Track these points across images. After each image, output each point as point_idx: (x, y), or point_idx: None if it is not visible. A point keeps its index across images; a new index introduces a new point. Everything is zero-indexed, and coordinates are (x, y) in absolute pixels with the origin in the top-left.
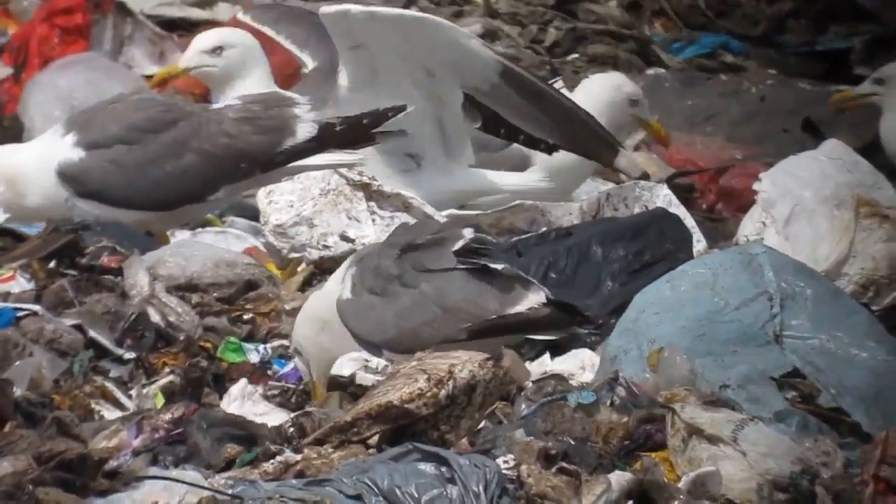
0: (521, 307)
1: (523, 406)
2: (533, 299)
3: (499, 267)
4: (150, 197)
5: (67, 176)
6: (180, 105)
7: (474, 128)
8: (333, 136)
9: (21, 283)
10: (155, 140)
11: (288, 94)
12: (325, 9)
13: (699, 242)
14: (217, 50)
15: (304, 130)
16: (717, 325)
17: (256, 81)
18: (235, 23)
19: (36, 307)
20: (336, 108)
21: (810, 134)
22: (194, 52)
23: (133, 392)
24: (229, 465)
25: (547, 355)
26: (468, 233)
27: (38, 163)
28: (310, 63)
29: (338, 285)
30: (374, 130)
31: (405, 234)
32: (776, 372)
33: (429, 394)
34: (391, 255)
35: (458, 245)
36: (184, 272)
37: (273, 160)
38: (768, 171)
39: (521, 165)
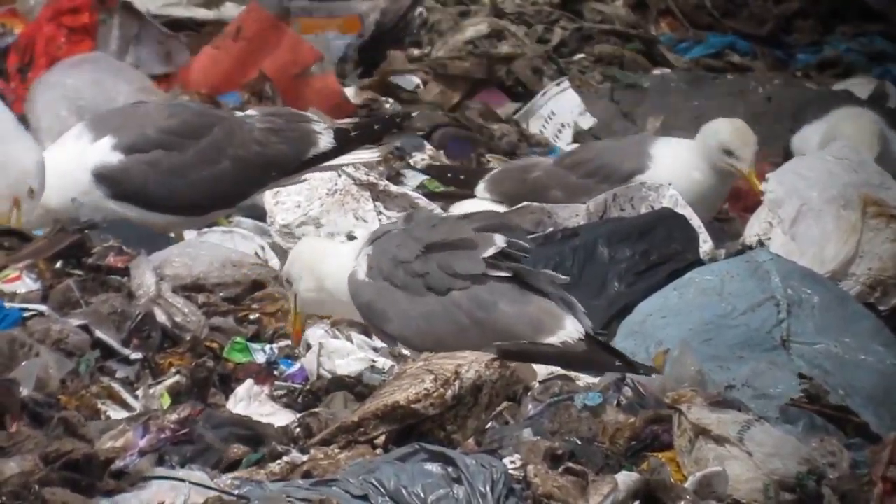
0: (555, 339)
1: (530, 406)
2: (570, 331)
3: (538, 285)
4: (187, 201)
5: (105, 178)
6: (212, 111)
7: None
8: (350, 143)
9: (27, 284)
10: (193, 146)
11: (302, 112)
12: None
13: (706, 243)
14: None
15: (325, 140)
16: (724, 329)
17: None
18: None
19: (42, 307)
20: None
21: None
22: None
23: (139, 392)
24: (235, 465)
25: None
26: (500, 240)
27: (69, 165)
28: None
29: (350, 260)
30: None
31: (428, 227)
32: (783, 375)
33: (435, 394)
34: (414, 248)
35: (490, 251)
36: (190, 272)
37: (299, 168)
38: (775, 171)
39: None
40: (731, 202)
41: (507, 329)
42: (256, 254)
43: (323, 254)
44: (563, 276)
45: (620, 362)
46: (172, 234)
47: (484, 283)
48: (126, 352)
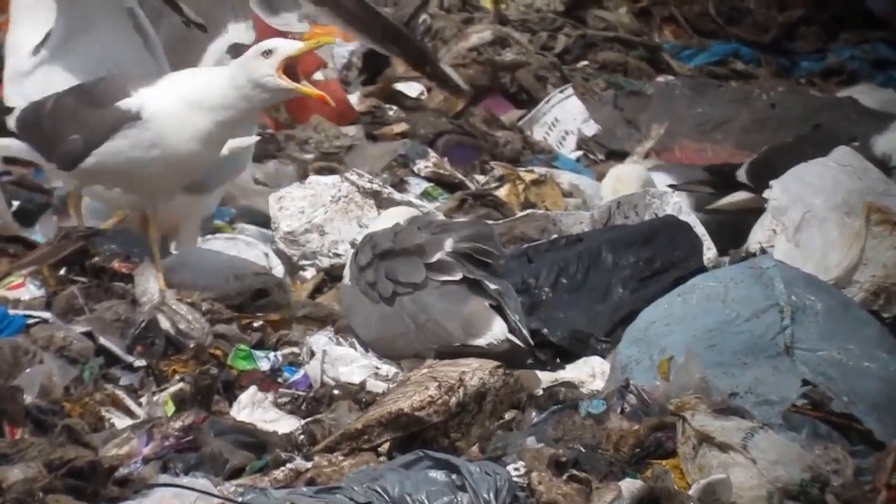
0: (482, 340)
1: (534, 414)
2: (496, 332)
3: (482, 288)
4: None
5: None
6: None
7: None
8: None
9: (31, 290)
10: None
11: None
12: None
13: (709, 250)
14: None
15: None
16: (727, 335)
17: None
18: None
19: (46, 314)
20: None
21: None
22: None
23: (143, 399)
24: (239, 472)
25: (557, 361)
26: (448, 245)
27: None
28: None
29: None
30: None
31: (389, 234)
32: (787, 382)
33: (439, 401)
34: (368, 255)
35: (434, 258)
36: (195, 279)
37: None
38: (779, 178)
39: None
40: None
41: (442, 332)
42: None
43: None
44: (506, 282)
45: (532, 360)
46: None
47: (424, 288)
48: (130, 359)
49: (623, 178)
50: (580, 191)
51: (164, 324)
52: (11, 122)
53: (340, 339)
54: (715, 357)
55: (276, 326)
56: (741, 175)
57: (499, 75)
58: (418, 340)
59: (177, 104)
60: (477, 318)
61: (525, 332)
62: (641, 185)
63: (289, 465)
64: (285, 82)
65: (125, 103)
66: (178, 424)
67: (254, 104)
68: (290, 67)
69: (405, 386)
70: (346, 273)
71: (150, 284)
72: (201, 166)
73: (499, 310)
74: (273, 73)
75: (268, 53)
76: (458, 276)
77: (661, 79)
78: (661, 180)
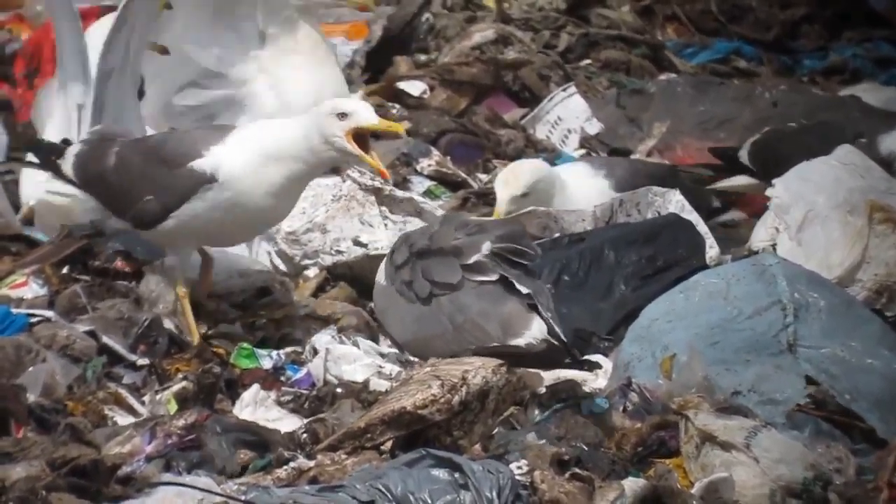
0: (521, 340)
1: (536, 412)
2: (535, 332)
3: (519, 289)
4: None
5: None
6: None
7: None
8: None
9: (34, 289)
10: None
11: None
12: None
13: (712, 248)
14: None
15: None
16: (730, 333)
17: None
18: None
19: (49, 313)
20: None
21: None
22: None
23: (146, 398)
24: (242, 470)
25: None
26: (485, 246)
27: None
28: None
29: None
30: None
31: (424, 234)
32: (789, 380)
33: (442, 400)
34: (405, 255)
35: (472, 259)
36: (197, 278)
37: None
38: (781, 176)
39: None
40: (739, 207)
41: (480, 333)
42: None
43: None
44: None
45: (570, 359)
46: None
47: (460, 289)
48: (133, 357)
49: (516, 171)
50: None
51: (168, 323)
52: (68, 169)
53: (343, 338)
54: (717, 355)
55: (278, 325)
56: (743, 155)
57: (501, 74)
58: (455, 341)
59: (250, 161)
60: (515, 318)
61: (559, 330)
62: (535, 179)
63: (292, 464)
64: (352, 147)
65: (199, 164)
66: (180, 423)
67: (322, 159)
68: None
69: (408, 384)
70: (381, 272)
71: (162, 287)
72: (280, 217)
73: (535, 309)
74: (342, 136)
75: (342, 116)
76: (494, 277)
77: (663, 77)
78: (581, 172)
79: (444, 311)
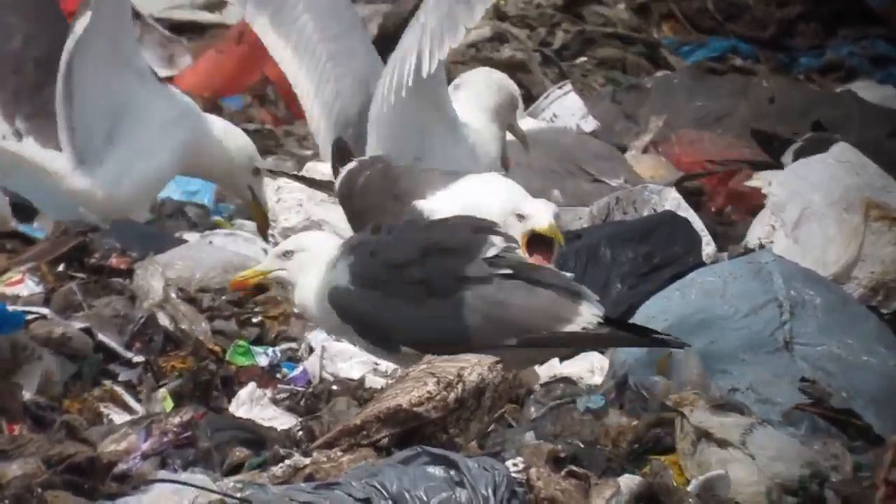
0: (574, 326)
1: (532, 409)
2: (588, 317)
3: (543, 280)
4: None
5: None
6: None
7: None
8: None
9: (30, 286)
10: None
11: None
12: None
13: (708, 245)
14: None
15: None
16: (726, 331)
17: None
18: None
19: (45, 310)
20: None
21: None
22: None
23: (142, 395)
24: (238, 468)
25: (556, 359)
26: (498, 241)
27: None
28: None
29: (327, 273)
30: None
31: (420, 230)
32: (786, 377)
33: (438, 397)
34: (410, 253)
35: (491, 252)
36: (193, 275)
37: None
38: (778, 174)
39: None
40: (734, 205)
41: (525, 323)
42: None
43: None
44: (567, 273)
45: (647, 337)
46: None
47: (490, 283)
48: (128, 355)
49: None
50: None
51: (164, 320)
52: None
53: None
54: (714, 352)
55: (274, 322)
56: (786, 159)
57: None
58: (495, 335)
59: (454, 212)
60: (559, 306)
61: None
62: None
63: (287, 461)
64: (522, 252)
65: (419, 205)
66: (176, 420)
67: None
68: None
69: (404, 382)
70: (336, 275)
71: (153, 282)
72: None
73: (576, 296)
74: (518, 238)
75: (520, 217)
76: (509, 270)
77: (660, 73)
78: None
79: (474, 307)
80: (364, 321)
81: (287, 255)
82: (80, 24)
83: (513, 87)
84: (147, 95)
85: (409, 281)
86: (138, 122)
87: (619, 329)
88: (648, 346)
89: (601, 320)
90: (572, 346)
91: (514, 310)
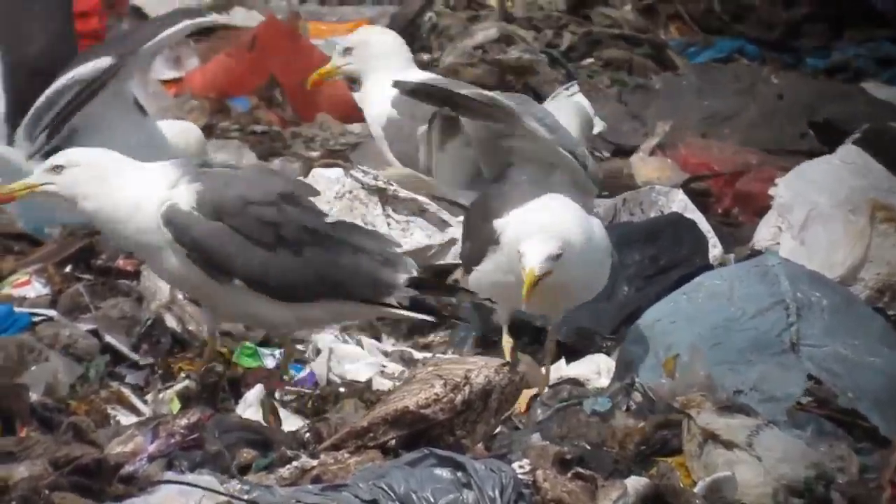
0: (391, 298)
1: (539, 411)
2: (400, 287)
3: (369, 245)
4: None
5: None
6: None
7: None
8: None
9: (37, 288)
10: None
11: None
12: None
13: (715, 247)
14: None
15: None
16: (733, 333)
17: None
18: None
19: (51, 312)
20: None
21: (826, 136)
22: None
23: (149, 397)
24: (245, 470)
25: (563, 360)
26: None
27: None
28: None
29: (159, 190)
30: None
31: (268, 175)
32: (792, 379)
33: (445, 399)
34: (266, 194)
35: (331, 219)
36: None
37: None
38: (784, 175)
39: None
40: (741, 206)
41: (350, 287)
42: None
43: (122, 168)
44: (396, 241)
45: (449, 296)
46: None
47: (329, 242)
48: (135, 356)
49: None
50: None
51: (171, 322)
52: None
53: (346, 337)
54: (720, 354)
55: None
56: (845, 150)
57: (506, 74)
58: (322, 290)
59: (517, 231)
60: (381, 275)
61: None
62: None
63: (295, 463)
64: (525, 290)
65: (496, 224)
66: (183, 422)
67: None
68: None
69: (411, 384)
70: (178, 196)
71: (160, 283)
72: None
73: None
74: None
75: (521, 255)
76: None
77: (666, 75)
78: None
79: (311, 261)
80: (202, 247)
81: (57, 169)
82: (97, 64)
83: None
84: (122, 120)
85: (260, 220)
86: (101, 138)
87: (420, 308)
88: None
89: (413, 293)
90: (384, 316)
91: (342, 271)
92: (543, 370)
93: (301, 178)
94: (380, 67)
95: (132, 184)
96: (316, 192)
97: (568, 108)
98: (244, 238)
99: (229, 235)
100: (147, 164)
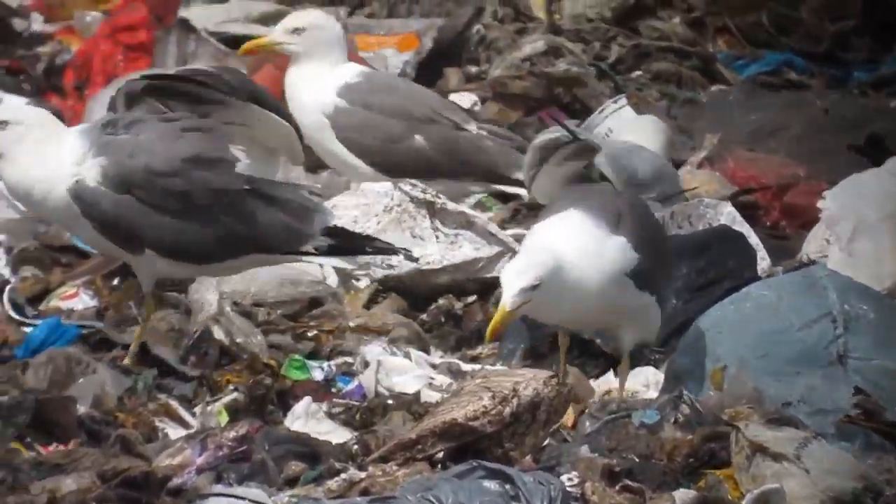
0: (307, 246)
1: (587, 423)
2: (317, 235)
3: (284, 195)
4: None
5: None
6: None
7: None
8: None
9: (84, 300)
10: None
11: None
12: None
13: (763, 260)
14: (298, 31)
15: None
16: (780, 345)
17: (333, 63)
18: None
19: (99, 324)
20: None
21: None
22: (280, 30)
23: (197, 410)
24: (293, 482)
25: (611, 373)
26: (238, 154)
27: None
28: None
29: (67, 165)
30: None
31: (174, 135)
32: (839, 391)
33: (493, 411)
34: (170, 161)
35: (239, 169)
36: (248, 289)
37: None
38: (832, 188)
39: None
40: (789, 219)
41: (266, 241)
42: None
43: (47, 137)
44: (313, 185)
45: (367, 248)
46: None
47: (240, 197)
48: (183, 369)
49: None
50: None
51: (219, 334)
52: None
53: (394, 350)
54: (768, 366)
55: (329, 336)
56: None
57: (554, 87)
58: (237, 250)
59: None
60: (297, 223)
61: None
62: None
63: (343, 476)
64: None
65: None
66: (231, 434)
67: None
68: None
69: (459, 396)
70: (88, 176)
71: (208, 295)
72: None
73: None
74: None
75: None
76: (254, 187)
77: (714, 88)
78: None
79: (223, 220)
80: (111, 221)
81: (2, 125)
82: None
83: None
84: None
85: (168, 190)
86: None
87: (341, 245)
88: (368, 255)
89: (330, 239)
90: (302, 261)
91: (259, 227)
92: (617, 382)
93: (221, 134)
94: (324, 55)
95: (47, 159)
96: (226, 149)
97: (650, 125)
98: (152, 209)
99: (137, 208)
100: (65, 132)
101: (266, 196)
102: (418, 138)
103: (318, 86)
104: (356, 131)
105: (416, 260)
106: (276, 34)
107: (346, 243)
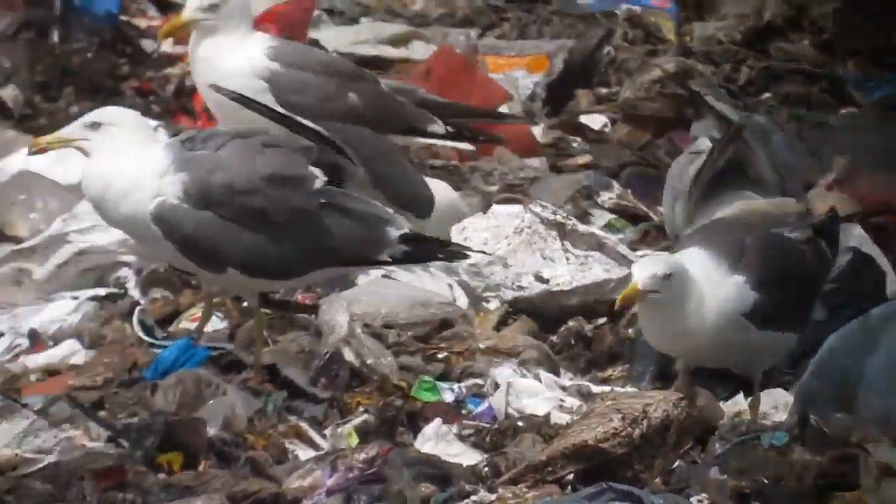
0: (384, 255)
1: (717, 445)
2: (393, 242)
3: (360, 207)
4: None
5: None
6: None
7: None
8: None
9: (214, 322)
10: None
11: None
12: None
13: (893, 283)
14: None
15: None
16: None
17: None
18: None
19: (229, 346)
20: None
21: None
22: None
23: (327, 431)
24: None
25: (741, 395)
26: (320, 173)
27: None
28: None
29: (150, 179)
30: None
31: (256, 152)
32: None
33: (623, 433)
34: (251, 179)
35: (317, 185)
36: (379, 311)
37: None
38: None
39: None
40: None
41: (344, 254)
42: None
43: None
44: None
45: (440, 253)
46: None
47: (318, 213)
48: (314, 391)
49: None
50: None
51: (349, 356)
52: None
53: (524, 371)
54: None
55: (460, 358)
56: None
57: (684, 108)
58: (318, 260)
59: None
60: (374, 233)
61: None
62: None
63: (473, 498)
64: None
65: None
66: (361, 456)
67: None
68: None
69: (589, 418)
70: (169, 194)
71: (339, 317)
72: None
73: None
74: None
75: None
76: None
77: (844, 111)
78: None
79: (302, 236)
80: (192, 241)
81: (95, 126)
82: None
83: None
84: None
85: (247, 207)
86: None
87: (415, 252)
88: (444, 260)
89: (406, 247)
90: (378, 266)
91: (335, 239)
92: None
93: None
94: (238, 25)
95: (133, 165)
96: (305, 166)
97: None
98: (232, 226)
99: (218, 225)
100: (155, 141)
101: (342, 208)
102: (352, 96)
103: (245, 53)
104: (295, 93)
105: (487, 255)
106: (189, 11)
107: (420, 249)
